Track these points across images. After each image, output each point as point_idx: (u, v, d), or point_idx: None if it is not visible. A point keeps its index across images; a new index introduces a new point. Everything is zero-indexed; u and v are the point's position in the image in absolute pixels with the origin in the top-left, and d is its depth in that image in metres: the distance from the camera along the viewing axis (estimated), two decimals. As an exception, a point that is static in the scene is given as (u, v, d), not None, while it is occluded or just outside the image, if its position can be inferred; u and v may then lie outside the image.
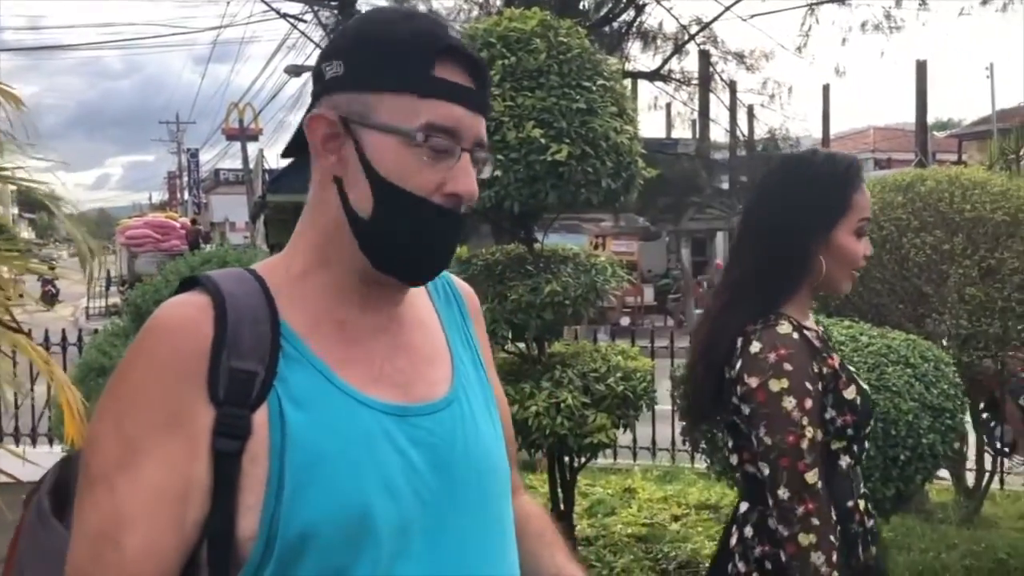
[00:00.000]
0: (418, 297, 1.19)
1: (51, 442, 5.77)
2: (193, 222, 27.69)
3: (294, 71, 20.36)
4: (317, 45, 18.11)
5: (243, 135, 27.00)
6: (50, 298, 26.51)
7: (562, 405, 3.78)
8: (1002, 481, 5.69)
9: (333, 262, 1.08)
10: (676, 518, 5.10)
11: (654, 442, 6.78)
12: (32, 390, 6.55)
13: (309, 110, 1.09)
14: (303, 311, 1.06)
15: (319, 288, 1.08)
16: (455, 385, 1.14)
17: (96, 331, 5.24)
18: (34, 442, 6.70)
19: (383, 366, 1.08)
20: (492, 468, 1.14)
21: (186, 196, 44.60)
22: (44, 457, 4.67)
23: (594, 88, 3.90)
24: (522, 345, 4.22)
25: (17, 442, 6.71)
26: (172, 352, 0.98)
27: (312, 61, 19.56)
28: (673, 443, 6.61)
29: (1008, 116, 24.93)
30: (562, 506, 4.30)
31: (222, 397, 0.97)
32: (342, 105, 1.06)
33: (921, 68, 24.06)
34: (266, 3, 17.42)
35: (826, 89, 28.89)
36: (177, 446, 0.96)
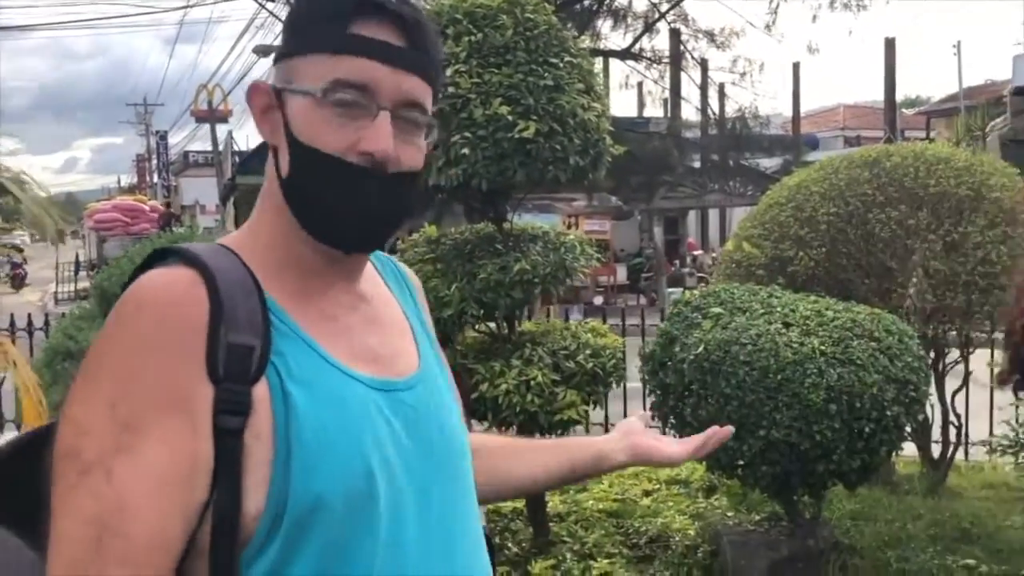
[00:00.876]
0: (374, 277, 1.20)
1: (18, 428, 5.71)
2: (167, 205, 27.42)
3: (263, 51, 20.15)
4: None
5: (212, 117, 26.73)
6: (18, 281, 26.22)
7: (532, 383, 3.80)
8: (967, 452, 5.78)
9: (289, 235, 1.06)
10: (647, 493, 5.14)
11: (626, 418, 6.80)
12: (2, 377, 6.49)
13: None
14: (279, 285, 1.03)
15: (286, 262, 1.06)
16: (422, 362, 1.15)
17: (63, 315, 5.19)
18: (0, 427, 6.62)
19: (361, 341, 1.08)
20: (459, 437, 1.15)
21: (155, 179, 44.08)
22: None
23: (561, 65, 3.90)
24: (492, 324, 4.23)
25: (-16, 428, 6.64)
26: (167, 328, 0.93)
27: (281, 41, 19.36)
28: (645, 420, 6.65)
29: (975, 93, 25.16)
30: (534, 483, 4.32)
31: (222, 373, 0.93)
32: (276, 75, 1.06)
33: (890, 46, 24.19)
34: (233, -18, 17.18)
35: (796, 67, 28.98)
36: (178, 426, 0.91)
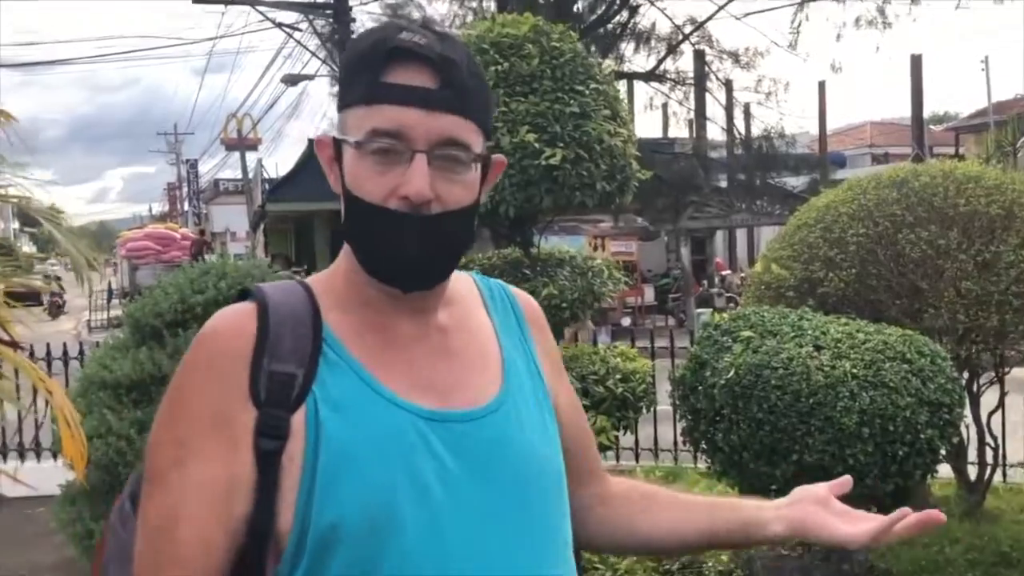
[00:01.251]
0: (470, 305, 1.21)
1: (55, 457, 5.79)
2: (201, 232, 27.72)
3: (291, 80, 20.40)
4: (313, 54, 18.16)
5: (242, 145, 27.04)
6: (56, 309, 26.58)
7: (562, 408, 3.79)
8: (1004, 474, 5.69)
9: (358, 273, 1.12)
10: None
11: (656, 443, 6.78)
12: (35, 404, 6.58)
13: None
14: (346, 317, 1.10)
15: (357, 295, 1.12)
16: (503, 393, 1.14)
17: (97, 344, 5.26)
18: (38, 457, 6.71)
19: (423, 372, 1.10)
20: (538, 476, 1.13)
21: (186, 207, 44.63)
22: (49, 472, 4.66)
23: (587, 92, 3.92)
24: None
25: (22, 457, 6.73)
26: (215, 357, 1.05)
27: (308, 70, 19.60)
28: (676, 444, 6.62)
29: (1004, 108, 24.94)
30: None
31: (263, 398, 1.02)
32: (337, 127, 1.12)
33: (916, 62, 24.08)
34: (262, 13, 17.45)
35: (822, 85, 28.90)
36: (221, 446, 1.01)
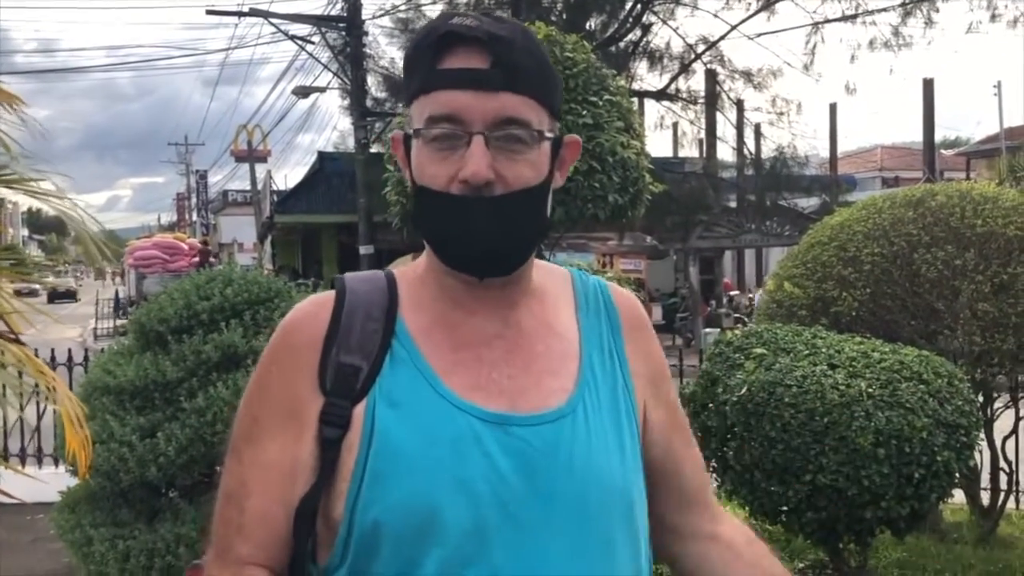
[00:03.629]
0: (558, 303, 1.17)
1: (56, 462, 5.73)
2: (204, 243, 27.81)
3: (302, 92, 20.45)
4: (325, 66, 18.22)
5: (251, 156, 27.13)
6: (70, 295, 26.44)
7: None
8: (1017, 500, 5.60)
9: (436, 266, 1.12)
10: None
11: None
12: (37, 406, 6.54)
13: None
14: (421, 312, 1.11)
15: (435, 291, 1.12)
16: (574, 398, 1.09)
17: (102, 351, 5.22)
18: (39, 463, 6.66)
19: (491, 372, 1.08)
20: (601, 488, 1.07)
21: (195, 217, 44.76)
22: (48, 479, 4.61)
23: (600, 103, 3.89)
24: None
25: (23, 463, 6.68)
26: (290, 344, 1.10)
27: (320, 82, 19.66)
28: (683, 462, 6.53)
29: (1016, 134, 24.90)
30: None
31: (329, 387, 1.06)
32: (408, 123, 1.12)
33: (928, 86, 24.06)
34: (275, 25, 17.52)
35: (833, 108, 28.91)
36: (291, 429, 1.06)
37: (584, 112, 3.83)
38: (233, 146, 28.01)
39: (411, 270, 1.16)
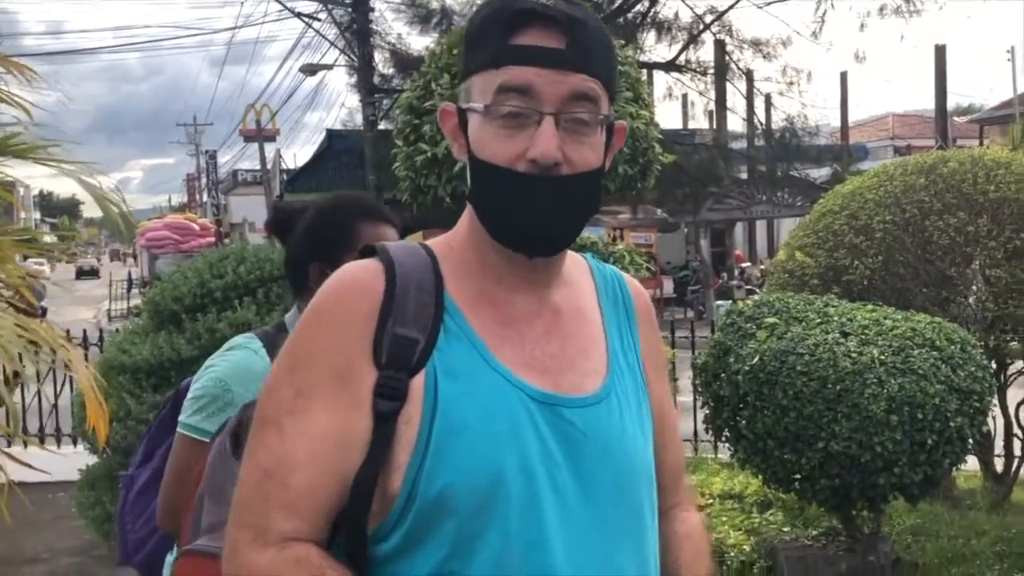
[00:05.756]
0: (583, 289, 1.19)
1: (74, 442, 5.79)
2: (218, 223, 27.93)
3: (309, 70, 20.39)
4: (332, 44, 18.15)
5: (260, 136, 27.08)
6: (94, 272, 26.48)
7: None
8: (1031, 466, 5.60)
9: (480, 241, 1.11)
10: (700, 508, 5.04)
11: (676, 433, 6.72)
12: (60, 388, 6.59)
13: None
14: (464, 286, 1.10)
15: (476, 265, 1.11)
16: (608, 382, 1.13)
17: (116, 331, 5.25)
18: (58, 443, 6.73)
19: (534, 350, 1.09)
20: (632, 471, 1.12)
21: (205, 198, 44.81)
22: (69, 458, 4.66)
23: (609, 74, 3.87)
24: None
25: (42, 442, 6.74)
26: (344, 313, 1.06)
27: (327, 59, 19.59)
28: (696, 434, 6.55)
29: (1030, 99, 24.61)
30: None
31: (384, 360, 1.03)
32: (461, 96, 1.11)
33: (940, 53, 23.79)
34: (281, 3, 17.44)
35: (844, 76, 28.65)
36: (342, 400, 1.03)
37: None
38: (242, 126, 27.93)
39: (444, 244, 1.15)
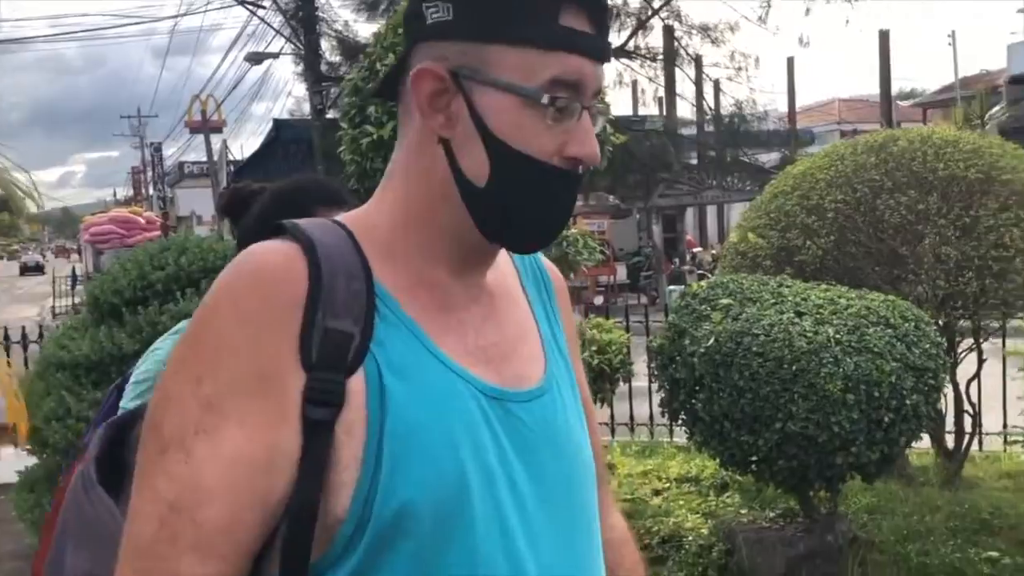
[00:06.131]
0: (507, 271, 1.09)
1: (14, 444, 5.60)
2: (165, 216, 27.47)
3: (255, 59, 20.03)
4: (278, 32, 17.85)
5: (206, 127, 26.60)
6: (39, 268, 25.98)
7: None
8: (980, 442, 5.67)
9: (427, 224, 0.97)
10: (657, 492, 5.03)
11: (632, 418, 6.70)
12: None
13: (405, 56, 0.97)
14: (395, 271, 0.95)
15: (410, 248, 0.97)
16: (548, 371, 1.04)
17: (58, 327, 5.08)
18: None
19: (476, 339, 0.98)
20: (580, 466, 1.03)
21: (151, 191, 43.99)
22: (9, 461, 4.49)
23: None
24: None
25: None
26: (262, 302, 0.87)
27: (273, 48, 19.27)
28: (651, 418, 6.54)
29: (970, 83, 25.11)
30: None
31: (315, 359, 0.86)
32: (452, 57, 0.93)
33: (884, 38, 24.13)
34: (223, -11, 17.09)
35: (790, 62, 28.97)
36: (262, 410, 0.85)
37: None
38: (187, 117, 27.41)
39: (369, 220, 0.98)
